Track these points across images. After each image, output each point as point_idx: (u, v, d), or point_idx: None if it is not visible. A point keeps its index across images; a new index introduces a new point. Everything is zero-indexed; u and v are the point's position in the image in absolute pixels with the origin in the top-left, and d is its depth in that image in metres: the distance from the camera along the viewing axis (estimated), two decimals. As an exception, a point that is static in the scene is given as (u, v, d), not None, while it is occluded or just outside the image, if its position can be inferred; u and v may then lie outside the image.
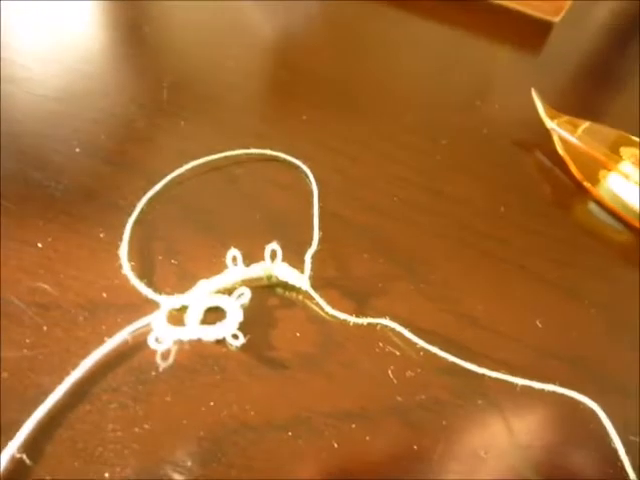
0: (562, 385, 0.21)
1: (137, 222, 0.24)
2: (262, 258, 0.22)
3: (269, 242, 0.22)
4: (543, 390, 0.21)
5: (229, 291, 0.22)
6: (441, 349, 0.22)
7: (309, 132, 0.30)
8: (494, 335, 0.23)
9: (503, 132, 0.33)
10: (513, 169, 0.32)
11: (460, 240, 0.27)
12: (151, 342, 0.20)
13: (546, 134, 0.33)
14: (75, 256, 0.22)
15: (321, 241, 0.24)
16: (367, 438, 0.20)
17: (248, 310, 0.22)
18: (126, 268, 0.22)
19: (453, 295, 0.24)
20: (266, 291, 0.23)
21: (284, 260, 0.23)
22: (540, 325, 0.24)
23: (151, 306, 0.21)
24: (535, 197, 0.30)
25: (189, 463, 0.18)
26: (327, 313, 0.22)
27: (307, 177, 0.27)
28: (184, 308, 0.21)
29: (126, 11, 0.37)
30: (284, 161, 0.28)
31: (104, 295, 0.21)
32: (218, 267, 0.22)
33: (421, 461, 0.19)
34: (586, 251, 0.28)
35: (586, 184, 0.31)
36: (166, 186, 0.25)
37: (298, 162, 0.27)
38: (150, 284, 0.22)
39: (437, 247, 0.26)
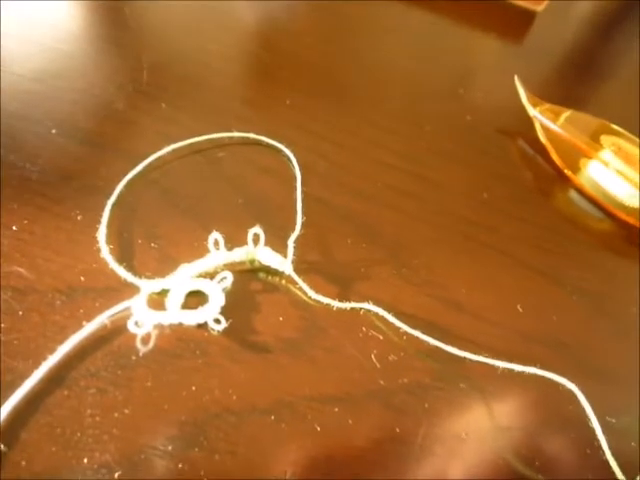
0: (542, 368, 0.22)
1: (116, 205, 0.23)
2: (245, 242, 0.22)
3: (252, 226, 0.22)
4: (524, 373, 0.21)
5: (211, 275, 0.22)
6: (424, 333, 0.22)
7: (292, 116, 0.29)
8: (476, 319, 0.23)
9: (486, 119, 0.33)
10: (496, 156, 0.32)
11: (443, 226, 0.27)
12: (131, 326, 0.19)
13: (529, 122, 0.33)
14: (52, 239, 0.22)
15: (304, 226, 0.24)
16: (350, 422, 0.20)
17: (230, 294, 0.21)
18: (105, 251, 0.21)
19: (436, 280, 0.24)
20: (249, 275, 0.23)
21: (267, 244, 0.22)
22: (521, 310, 0.24)
23: (131, 290, 0.21)
24: (517, 184, 0.30)
25: (170, 448, 0.18)
26: (310, 298, 0.22)
27: (290, 161, 0.27)
28: (165, 292, 0.21)
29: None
30: (267, 145, 0.27)
31: (82, 279, 0.21)
32: (200, 251, 0.22)
33: (403, 444, 0.19)
34: (567, 238, 0.28)
35: (567, 172, 0.31)
36: (146, 169, 0.25)
37: (281, 146, 0.27)
38: (130, 268, 0.21)
39: (420, 232, 0.26)
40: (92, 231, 0.22)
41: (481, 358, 0.21)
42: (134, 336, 0.20)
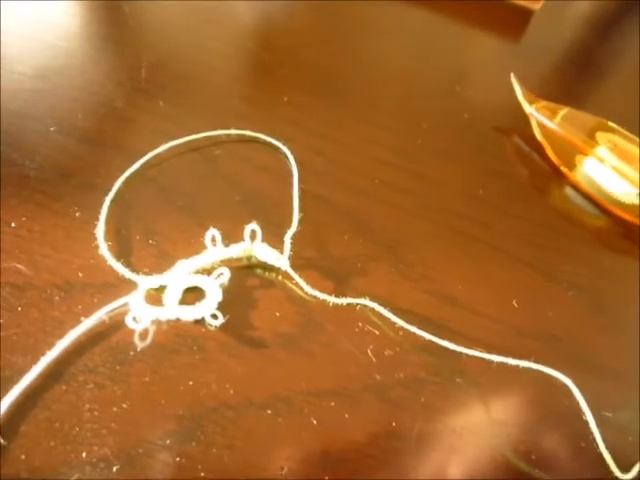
0: (537, 363, 0.22)
1: (114, 202, 0.23)
2: (241, 239, 0.22)
3: (248, 223, 0.22)
4: (519, 367, 0.22)
5: (208, 272, 0.22)
6: (420, 328, 0.22)
7: (290, 114, 0.30)
8: (472, 314, 0.24)
9: (483, 117, 0.33)
10: (492, 153, 0.32)
11: (439, 222, 0.27)
12: (129, 322, 0.19)
13: (525, 119, 0.33)
14: (50, 236, 0.22)
15: (301, 222, 0.24)
16: (346, 415, 0.20)
17: (227, 290, 0.22)
18: (103, 248, 0.21)
19: (432, 276, 0.24)
20: (246, 272, 0.23)
21: (264, 241, 0.22)
22: (517, 305, 0.24)
23: (129, 286, 0.21)
24: (513, 181, 0.31)
25: (168, 442, 0.18)
26: (307, 293, 0.22)
27: (287, 158, 0.27)
28: (162, 288, 0.21)
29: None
30: (264, 142, 0.27)
31: (80, 275, 0.21)
32: (197, 247, 0.22)
33: (399, 438, 0.20)
34: (563, 234, 0.29)
35: (563, 169, 0.32)
36: (144, 166, 0.25)
37: (278, 143, 0.27)
38: (127, 264, 0.21)
39: (417, 228, 0.26)
40: (90, 228, 0.22)
41: (476, 352, 0.21)
42: (132, 332, 0.20)
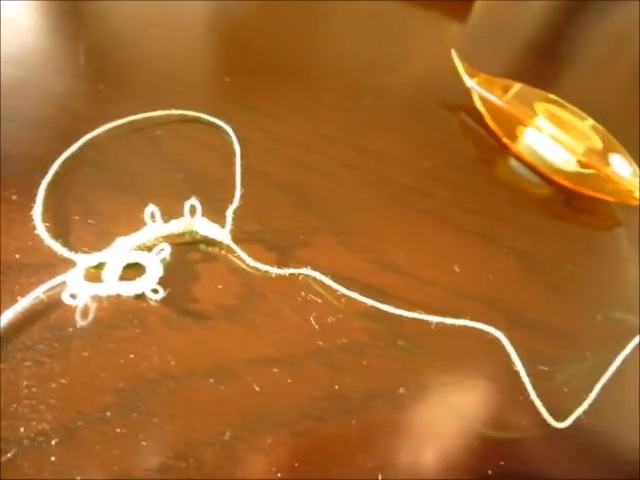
0: (475, 321, 0.22)
1: (52, 184, 0.23)
2: (183, 215, 0.22)
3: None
4: (457, 327, 0.22)
5: (150, 249, 0.22)
6: (362, 295, 0.22)
7: (232, 94, 0.30)
8: (414, 280, 0.24)
9: (427, 93, 0.34)
10: (437, 127, 0.32)
11: (383, 193, 0.27)
12: (65, 298, 0.19)
13: (468, 95, 0.34)
14: (-15, 219, 0.22)
15: (243, 197, 0.24)
16: (289, 381, 0.20)
17: (169, 265, 0.22)
18: (40, 228, 0.21)
19: (375, 245, 0.25)
20: (188, 247, 0.23)
21: (207, 217, 0.23)
22: (458, 270, 0.25)
23: (68, 266, 0.21)
24: (457, 153, 0.31)
25: (108, 414, 0.18)
26: (249, 265, 0.22)
27: (229, 137, 0.27)
28: (102, 266, 0.21)
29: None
30: (206, 122, 0.28)
31: (17, 256, 0.21)
32: (138, 226, 0.22)
33: (342, 399, 0.20)
34: (506, 202, 0.29)
35: (505, 140, 0.32)
36: (83, 148, 0.25)
37: (220, 122, 0.27)
38: (66, 244, 0.21)
39: (360, 200, 0.27)
40: (27, 210, 0.22)
41: (415, 314, 0.22)
42: (71, 309, 0.20)
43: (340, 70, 0.34)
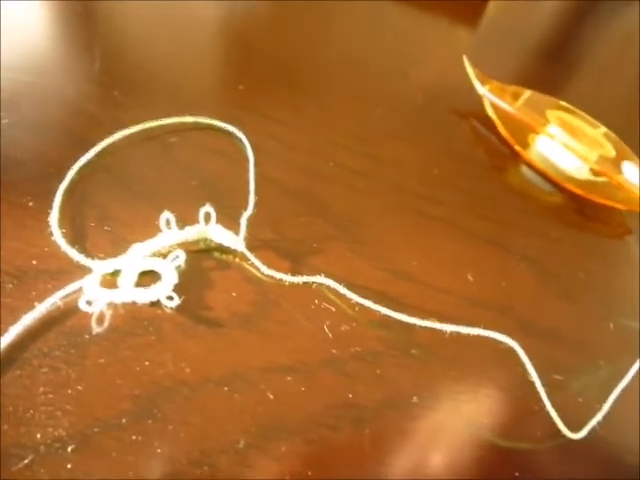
0: (487, 329, 0.22)
1: (68, 191, 0.23)
2: (198, 222, 0.23)
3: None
4: (471, 336, 0.22)
5: (164, 255, 0.22)
6: (375, 303, 0.22)
7: (245, 101, 0.30)
8: (427, 289, 0.24)
9: (437, 100, 0.34)
10: (448, 135, 0.32)
11: (394, 201, 0.27)
12: (82, 305, 0.19)
13: (479, 101, 0.34)
14: (1, 225, 0.22)
15: (257, 205, 0.24)
16: (302, 389, 0.20)
17: (184, 273, 0.22)
18: (57, 234, 0.21)
19: (388, 253, 0.25)
20: (203, 255, 0.23)
21: (221, 224, 0.23)
22: (471, 278, 0.25)
23: (84, 272, 0.21)
24: (468, 160, 0.31)
25: (124, 421, 0.18)
26: (263, 273, 0.22)
27: (243, 144, 0.27)
28: (118, 272, 0.21)
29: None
30: (220, 128, 0.28)
31: (34, 262, 0.21)
32: (153, 232, 0.22)
33: (356, 408, 0.20)
34: (518, 209, 0.29)
35: (517, 148, 0.32)
36: (99, 155, 0.25)
37: (234, 129, 0.27)
38: (82, 250, 0.21)
39: (372, 208, 0.27)
40: (44, 217, 0.22)
41: (429, 323, 0.22)
42: (87, 316, 0.20)
43: (352, 77, 0.35)
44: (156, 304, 0.21)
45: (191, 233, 0.22)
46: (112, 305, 0.20)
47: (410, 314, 0.22)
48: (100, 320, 0.20)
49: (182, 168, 0.26)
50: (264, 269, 0.22)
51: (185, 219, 0.23)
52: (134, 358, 0.19)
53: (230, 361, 0.20)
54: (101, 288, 0.20)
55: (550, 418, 0.21)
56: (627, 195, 0.30)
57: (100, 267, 0.21)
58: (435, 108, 0.34)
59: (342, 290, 0.22)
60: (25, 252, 0.21)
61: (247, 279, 0.22)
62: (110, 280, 0.21)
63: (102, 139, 0.25)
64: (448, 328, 0.22)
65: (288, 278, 0.22)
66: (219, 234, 0.22)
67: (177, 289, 0.21)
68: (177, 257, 0.22)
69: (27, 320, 0.19)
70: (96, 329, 0.20)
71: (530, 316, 0.24)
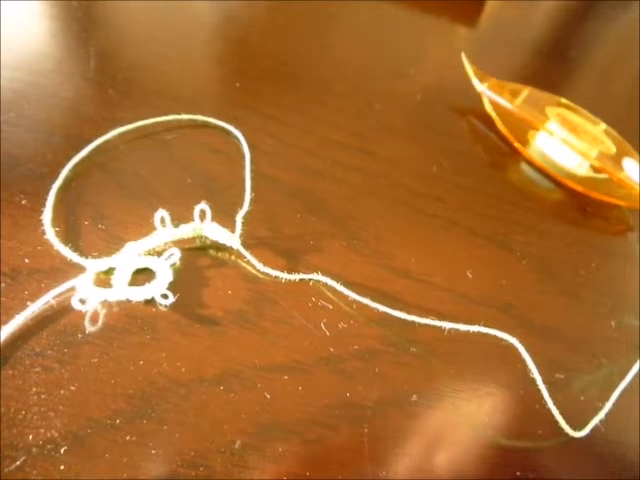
0: (487, 327, 0.22)
1: (62, 189, 0.23)
2: (193, 220, 0.22)
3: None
4: (471, 333, 0.22)
5: (160, 253, 0.22)
6: (373, 301, 0.22)
7: (241, 99, 0.30)
8: (426, 286, 0.24)
9: (437, 97, 0.34)
10: (447, 132, 0.32)
11: (393, 198, 0.27)
12: (75, 303, 0.19)
13: (478, 99, 0.33)
14: (-6, 224, 0.21)
15: (253, 202, 0.24)
16: (300, 388, 0.20)
17: (179, 271, 0.22)
18: (49, 233, 0.21)
19: (385, 250, 0.25)
20: (198, 252, 0.23)
21: (217, 222, 0.22)
22: (471, 275, 0.25)
23: (77, 271, 0.20)
24: (468, 158, 0.31)
25: (118, 421, 0.18)
26: (259, 271, 0.22)
27: (239, 141, 0.27)
28: (112, 271, 0.21)
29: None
30: (216, 126, 0.27)
31: (26, 261, 0.21)
32: (148, 231, 0.22)
33: (354, 407, 0.20)
34: (517, 207, 0.29)
35: (516, 145, 0.32)
36: (93, 152, 0.25)
37: (230, 127, 0.27)
38: (76, 249, 0.21)
39: (370, 205, 0.26)
40: (37, 215, 0.22)
41: (428, 320, 0.22)
42: (81, 315, 0.20)
43: (350, 75, 0.34)
44: (151, 302, 0.21)
45: (186, 231, 0.22)
46: (106, 304, 0.20)
47: (408, 312, 0.22)
48: (94, 319, 0.20)
49: (178, 166, 0.25)
50: (260, 267, 0.22)
51: (180, 217, 0.22)
52: (128, 357, 0.19)
53: (226, 360, 0.20)
54: (95, 286, 0.20)
55: (552, 416, 0.21)
56: (628, 192, 0.30)
57: (94, 265, 0.21)
58: (434, 106, 0.33)
59: (339, 288, 0.22)
60: (18, 251, 0.21)
61: (243, 277, 0.22)
62: (104, 279, 0.21)
63: (96, 137, 0.25)
64: (447, 325, 0.22)
65: (284, 276, 0.22)
66: (214, 232, 0.22)
67: (172, 287, 0.21)
68: (172, 255, 0.21)
69: (20, 319, 0.19)
70: (89, 328, 0.20)
71: (531, 314, 0.24)
